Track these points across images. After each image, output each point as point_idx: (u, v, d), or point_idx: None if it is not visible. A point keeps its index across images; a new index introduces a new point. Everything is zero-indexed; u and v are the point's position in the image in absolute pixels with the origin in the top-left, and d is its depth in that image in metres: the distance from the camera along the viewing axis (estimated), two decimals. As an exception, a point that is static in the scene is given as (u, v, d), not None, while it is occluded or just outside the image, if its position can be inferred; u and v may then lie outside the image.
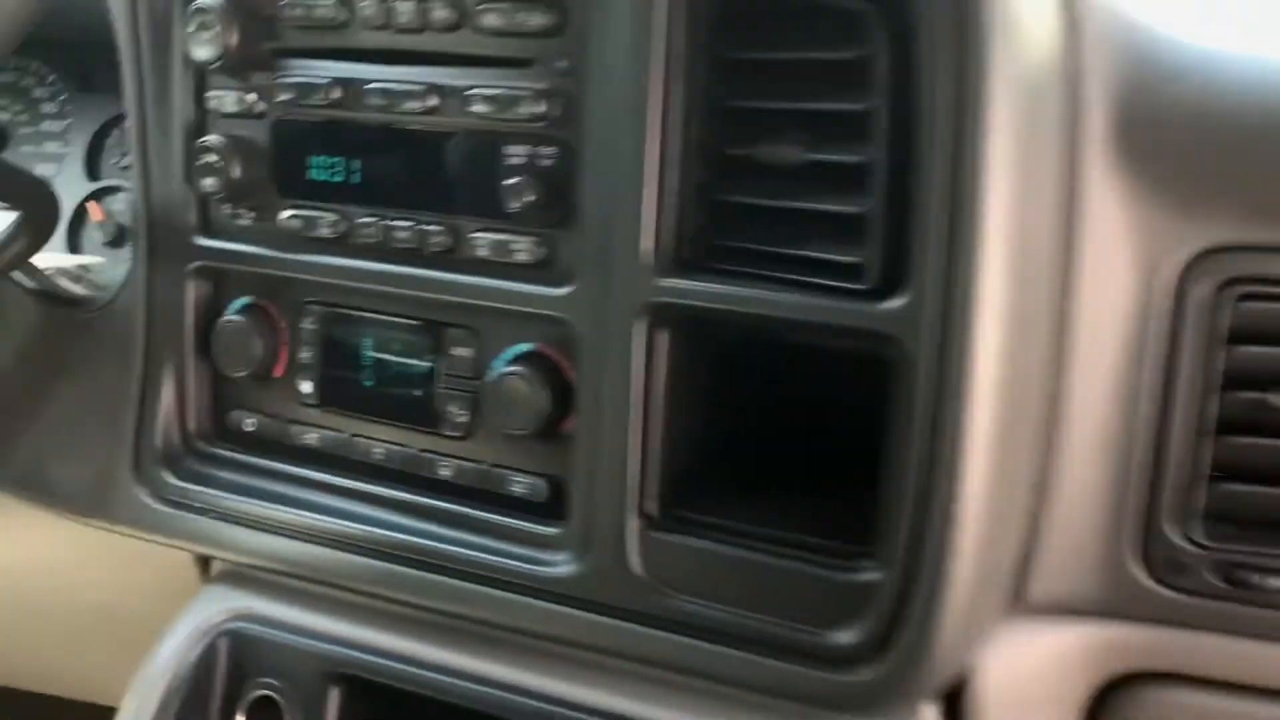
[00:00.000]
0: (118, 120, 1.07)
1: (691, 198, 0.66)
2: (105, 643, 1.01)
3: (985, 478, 0.59)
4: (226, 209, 0.81)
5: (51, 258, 0.98)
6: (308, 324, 0.80)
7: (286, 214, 0.78)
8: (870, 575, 0.63)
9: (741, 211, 0.65)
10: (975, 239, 0.56)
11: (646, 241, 0.66)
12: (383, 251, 0.76)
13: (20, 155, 1.12)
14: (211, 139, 0.78)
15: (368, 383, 0.79)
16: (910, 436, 0.60)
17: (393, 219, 0.75)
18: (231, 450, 0.85)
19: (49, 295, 0.90)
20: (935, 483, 0.59)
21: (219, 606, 0.80)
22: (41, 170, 1.09)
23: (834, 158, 0.61)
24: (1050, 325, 0.63)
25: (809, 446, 0.75)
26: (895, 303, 0.59)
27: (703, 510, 0.69)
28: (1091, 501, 0.67)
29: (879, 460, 0.67)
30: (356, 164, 0.76)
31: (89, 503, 0.87)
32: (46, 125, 1.10)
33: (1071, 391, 0.65)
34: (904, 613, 0.61)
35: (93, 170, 1.08)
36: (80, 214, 1.06)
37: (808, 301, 0.61)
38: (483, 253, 0.72)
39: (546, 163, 0.69)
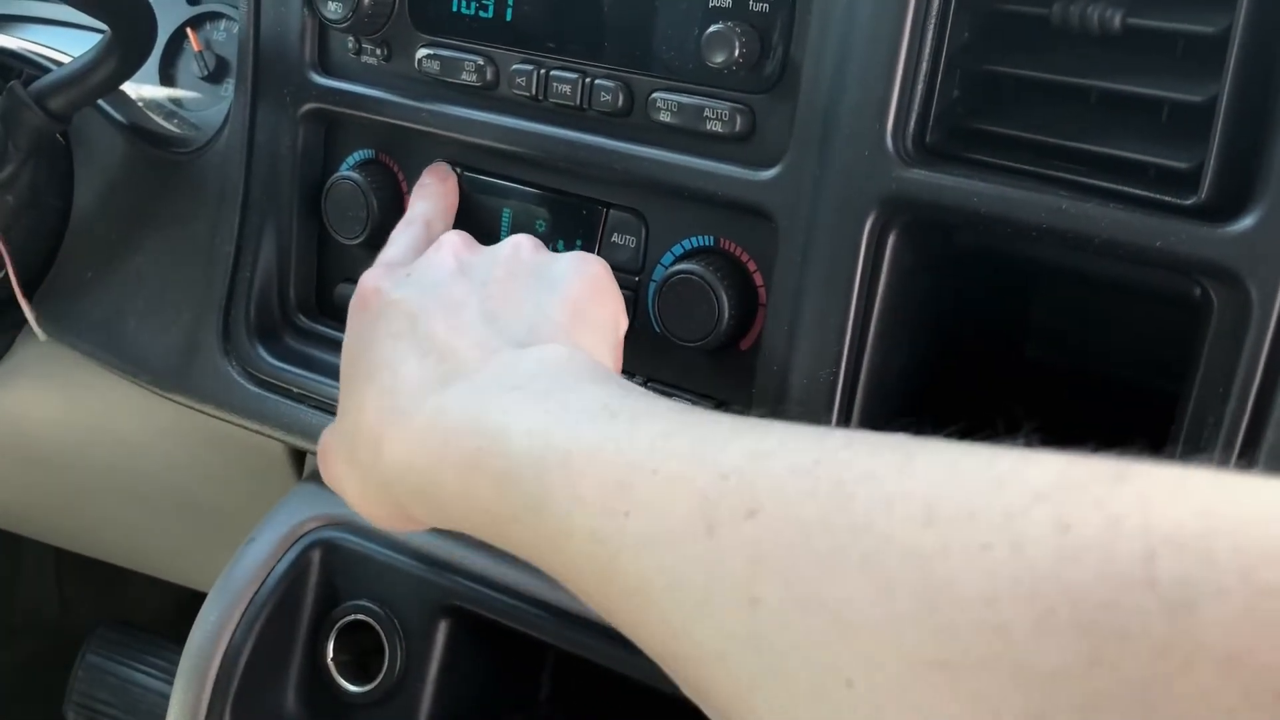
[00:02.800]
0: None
1: (947, 65, 0.51)
2: (184, 526, 0.93)
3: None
4: (350, 43, 0.68)
5: (142, 88, 0.86)
6: (436, 189, 0.67)
7: (422, 53, 0.65)
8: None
9: (1017, 88, 0.51)
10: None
11: (889, 119, 0.51)
12: (537, 109, 0.62)
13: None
14: (339, -47, 0.64)
15: (502, 266, 0.66)
16: (1222, 408, 0.46)
17: (553, 69, 0.61)
18: (337, 329, 0.73)
19: (138, 131, 0.78)
20: (1252, 471, 0.45)
21: (312, 510, 0.69)
22: (136, -11, 0.96)
23: (1172, 26, 0.46)
24: None
25: (1040, 401, 0.61)
26: (1241, 225, 0.44)
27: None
28: None
29: (1145, 422, 0.53)
30: (512, -3, 0.62)
31: (170, 373, 0.76)
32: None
33: None
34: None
35: (193, -7, 0.95)
36: (176, 41, 0.94)
37: (1115, 216, 0.46)
38: (665, 118, 0.58)
39: (762, 7, 0.55)
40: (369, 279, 0.55)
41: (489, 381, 0.45)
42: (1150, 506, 0.28)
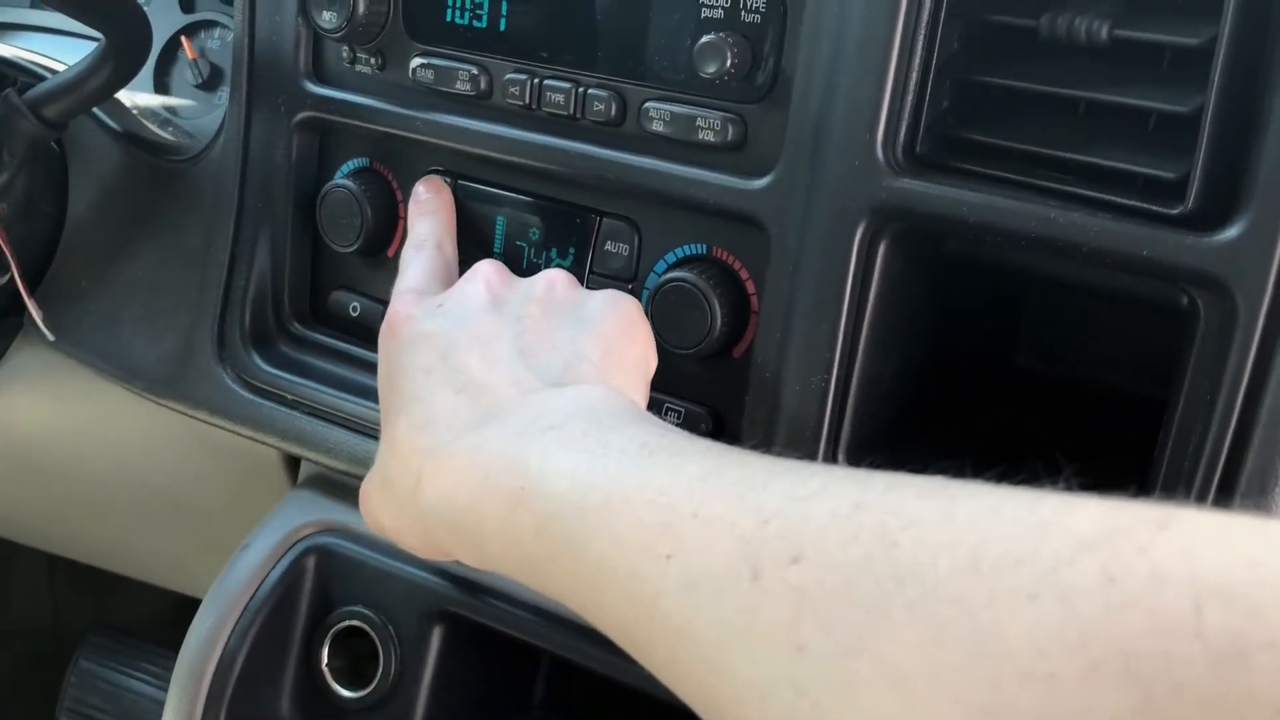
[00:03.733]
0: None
1: (936, 75, 0.52)
2: (178, 532, 0.93)
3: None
4: (345, 52, 0.68)
5: (136, 96, 0.86)
6: (430, 197, 0.68)
7: (416, 63, 0.65)
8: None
9: (1004, 98, 0.51)
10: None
11: (879, 128, 0.52)
12: (530, 118, 0.62)
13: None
14: (334, -37, 0.64)
15: (496, 273, 0.66)
16: (1209, 415, 0.46)
17: (546, 78, 0.61)
18: (331, 336, 0.73)
19: (133, 139, 0.78)
20: (1239, 478, 0.46)
21: (306, 516, 0.69)
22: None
23: (1158, 38, 0.46)
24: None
25: (1033, 401, 0.62)
26: (1227, 234, 0.45)
27: (909, 472, 0.56)
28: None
29: (1133, 430, 0.54)
30: (505, 6, 0.63)
31: (165, 380, 0.76)
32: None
33: None
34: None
35: (187, 1, 0.95)
36: (170, 49, 0.94)
37: (1103, 225, 0.46)
38: (658, 128, 0.58)
39: (753, 18, 0.55)
40: (399, 306, 0.54)
41: (527, 421, 0.45)
42: (1195, 555, 0.28)
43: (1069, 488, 0.32)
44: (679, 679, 0.37)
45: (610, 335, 0.52)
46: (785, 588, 0.34)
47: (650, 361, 0.55)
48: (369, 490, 0.53)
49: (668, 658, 0.37)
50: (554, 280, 0.55)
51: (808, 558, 0.34)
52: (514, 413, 0.46)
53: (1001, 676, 0.29)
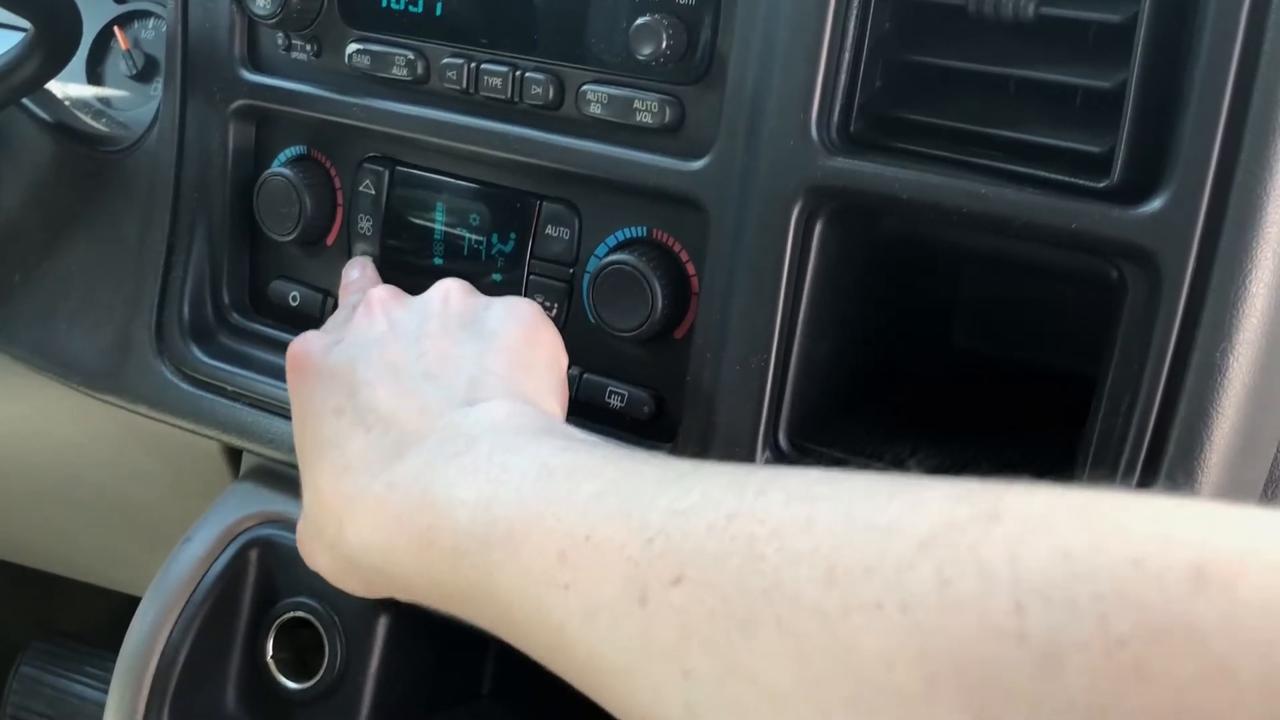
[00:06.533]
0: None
1: (869, 55, 0.52)
2: (119, 529, 0.91)
3: (1226, 449, 0.47)
4: (280, 39, 0.68)
5: (69, 87, 0.84)
6: (368, 184, 0.67)
7: (353, 48, 0.65)
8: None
9: (935, 77, 0.52)
10: (1269, 126, 0.43)
11: (813, 109, 0.52)
12: (468, 102, 0.62)
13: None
14: (267, -52, 0.64)
15: (437, 260, 0.66)
16: (1138, 380, 0.47)
17: (483, 62, 0.61)
18: (271, 326, 0.72)
19: (65, 130, 0.77)
20: (1164, 448, 0.47)
21: (248, 508, 0.69)
22: (62, -12, 0.94)
23: (1081, 15, 0.47)
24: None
25: (969, 379, 0.63)
26: (1152, 206, 0.45)
27: (848, 449, 0.56)
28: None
29: (1069, 402, 0.55)
30: (442, -9, 0.62)
31: (103, 375, 0.75)
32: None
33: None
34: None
35: (120, -9, 0.93)
36: (103, 40, 0.92)
37: (1032, 199, 0.47)
38: (595, 111, 0.58)
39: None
40: (299, 344, 0.54)
41: (434, 450, 0.46)
42: (1018, 552, 0.28)
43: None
44: (599, 700, 0.38)
45: (513, 345, 0.52)
46: (670, 610, 0.34)
47: (560, 360, 0.55)
48: (304, 535, 0.53)
49: (583, 682, 0.38)
50: (449, 291, 0.55)
51: (688, 576, 0.34)
52: (422, 441, 0.46)
53: (860, 691, 0.29)
